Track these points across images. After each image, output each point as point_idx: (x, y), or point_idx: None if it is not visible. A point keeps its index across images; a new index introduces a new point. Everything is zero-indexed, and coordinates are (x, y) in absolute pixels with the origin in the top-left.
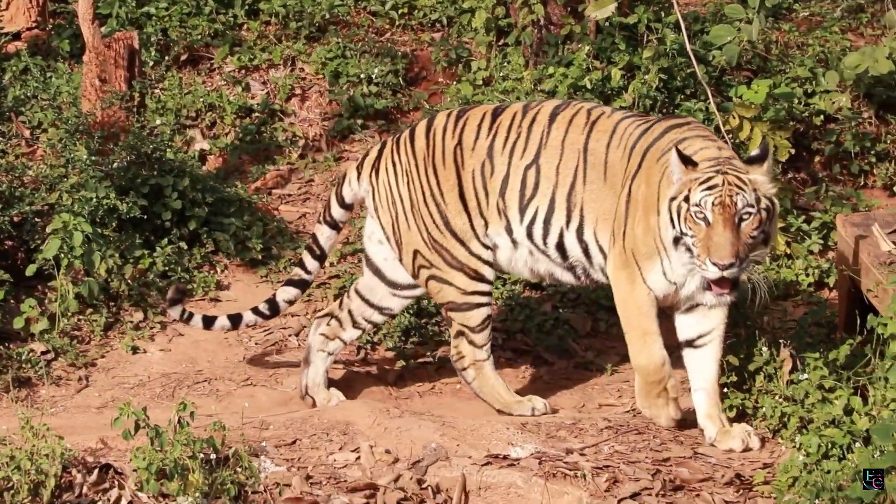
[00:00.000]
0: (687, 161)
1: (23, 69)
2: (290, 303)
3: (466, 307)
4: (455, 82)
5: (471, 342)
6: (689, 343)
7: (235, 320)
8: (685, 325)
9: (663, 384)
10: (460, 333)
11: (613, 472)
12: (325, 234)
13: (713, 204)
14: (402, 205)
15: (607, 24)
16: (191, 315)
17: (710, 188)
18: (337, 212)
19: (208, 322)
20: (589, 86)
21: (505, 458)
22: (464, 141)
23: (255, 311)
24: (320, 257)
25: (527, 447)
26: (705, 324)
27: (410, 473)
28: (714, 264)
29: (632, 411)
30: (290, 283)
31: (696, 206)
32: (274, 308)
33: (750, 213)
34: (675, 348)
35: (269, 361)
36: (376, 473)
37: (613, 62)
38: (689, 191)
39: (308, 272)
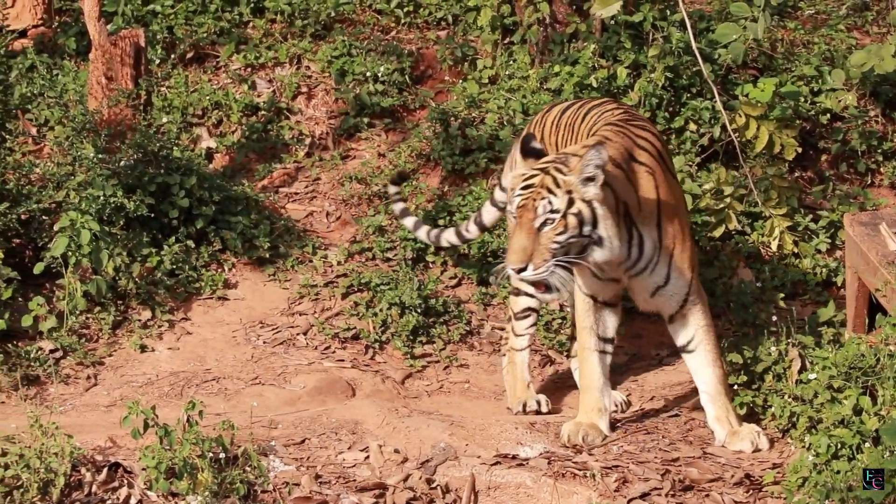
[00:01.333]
0: (528, 153)
1: (29, 67)
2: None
3: (515, 292)
4: (461, 80)
5: (512, 329)
6: (683, 349)
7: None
8: (673, 333)
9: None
10: (509, 319)
11: (623, 472)
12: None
13: (517, 206)
14: None
15: (613, 22)
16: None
17: (524, 188)
18: (498, 195)
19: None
20: (595, 84)
21: (514, 457)
22: None
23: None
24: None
25: (536, 447)
26: (686, 331)
27: (420, 473)
28: (510, 267)
29: (640, 411)
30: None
31: (511, 204)
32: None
33: (553, 219)
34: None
35: (278, 360)
36: (385, 473)
37: (619, 60)
38: (514, 188)
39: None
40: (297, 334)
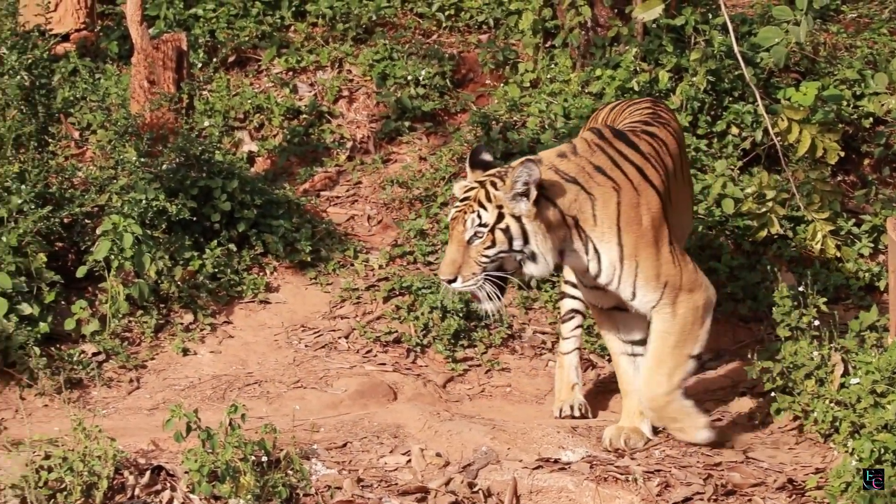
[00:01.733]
0: (475, 164)
1: (72, 71)
2: None
3: (560, 295)
4: (502, 84)
5: (560, 331)
6: (636, 343)
7: None
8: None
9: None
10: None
11: (665, 477)
12: None
13: (451, 218)
14: None
15: (654, 25)
16: None
17: (461, 201)
18: None
19: None
20: (636, 88)
21: (556, 461)
22: None
23: None
24: None
25: (578, 451)
26: (649, 331)
27: (461, 477)
28: (441, 278)
29: None
30: None
31: (448, 216)
32: None
33: (482, 233)
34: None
35: (319, 364)
36: (427, 477)
37: (661, 64)
38: (456, 199)
39: None
40: (339, 338)
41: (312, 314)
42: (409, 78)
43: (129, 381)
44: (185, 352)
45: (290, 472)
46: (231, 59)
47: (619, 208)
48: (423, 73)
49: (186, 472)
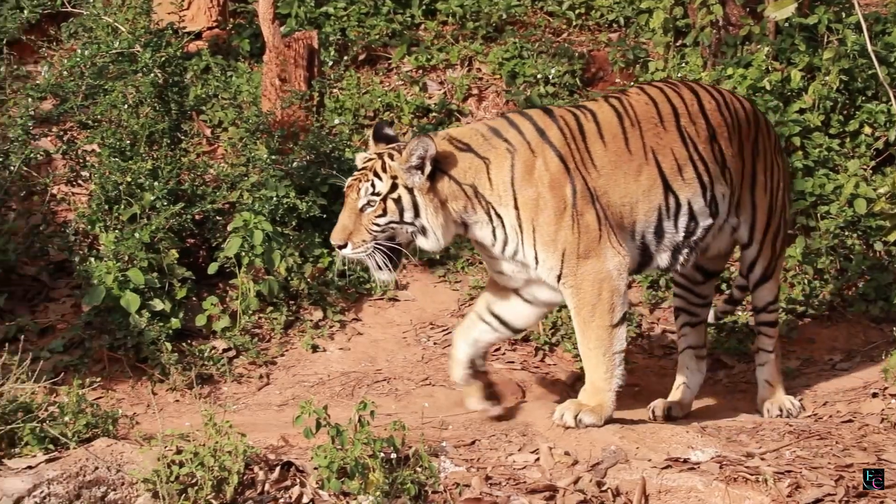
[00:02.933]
0: (379, 138)
1: (204, 68)
2: None
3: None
4: (632, 83)
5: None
6: None
7: None
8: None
9: None
10: None
11: (795, 478)
12: None
13: (346, 186)
14: None
15: (787, 24)
16: None
17: (359, 170)
18: None
19: None
20: (768, 87)
21: (685, 461)
22: None
23: None
24: None
25: (707, 451)
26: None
27: (590, 475)
28: (332, 242)
29: (813, 416)
30: None
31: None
32: None
33: (374, 202)
34: None
35: (448, 361)
36: (556, 475)
37: (793, 63)
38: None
39: None
40: None
41: (441, 312)
42: (539, 76)
43: (259, 378)
44: (315, 348)
45: (418, 469)
46: (361, 57)
47: (513, 170)
48: (552, 71)
49: (316, 469)
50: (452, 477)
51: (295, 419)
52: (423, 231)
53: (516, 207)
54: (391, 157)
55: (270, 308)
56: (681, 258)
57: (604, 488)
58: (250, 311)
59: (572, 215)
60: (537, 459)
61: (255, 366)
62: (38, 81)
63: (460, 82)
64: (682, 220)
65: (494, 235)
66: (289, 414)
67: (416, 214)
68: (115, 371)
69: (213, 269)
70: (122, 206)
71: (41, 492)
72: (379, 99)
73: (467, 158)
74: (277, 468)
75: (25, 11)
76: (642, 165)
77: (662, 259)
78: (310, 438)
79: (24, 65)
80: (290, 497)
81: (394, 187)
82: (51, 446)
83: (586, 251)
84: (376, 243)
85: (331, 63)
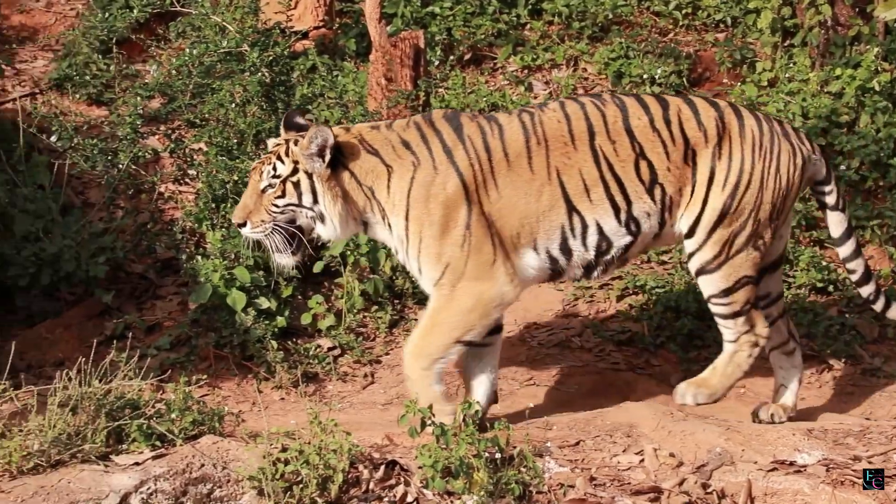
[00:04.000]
0: (290, 126)
1: (310, 68)
2: None
3: None
4: (739, 83)
5: None
6: None
7: None
8: None
9: None
10: None
11: None
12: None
13: (251, 169)
14: None
15: None
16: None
17: (266, 154)
18: None
19: None
20: (877, 88)
21: (791, 464)
22: None
23: None
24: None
25: (814, 454)
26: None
27: (695, 477)
28: (233, 221)
29: None
30: None
31: None
32: None
33: (274, 184)
34: None
35: (552, 361)
36: (660, 477)
37: None
38: None
39: None
40: (572, 336)
41: (545, 312)
42: (645, 76)
43: (364, 376)
44: None
45: (522, 470)
46: (467, 56)
47: (412, 183)
48: (658, 71)
49: (420, 468)
50: (557, 477)
51: (400, 418)
52: (322, 218)
53: (406, 219)
54: (295, 143)
55: (375, 307)
56: (596, 273)
57: (709, 490)
58: (355, 310)
59: (464, 235)
60: (642, 461)
61: (359, 364)
62: (146, 80)
63: (566, 82)
64: (592, 240)
65: (386, 239)
66: (393, 413)
67: (315, 200)
68: (220, 368)
69: (318, 267)
70: (229, 205)
71: (148, 488)
72: (484, 98)
73: (372, 161)
74: (382, 467)
75: (135, 11)
76: (544, 185)
77: (575, 272)
78: (414, 437)
79: (132, 64)
80: (395, 496)
81: (294, 171)
82: (158, 443)
83: (476, 273)
84: (275, 224)
85: (436, 62)
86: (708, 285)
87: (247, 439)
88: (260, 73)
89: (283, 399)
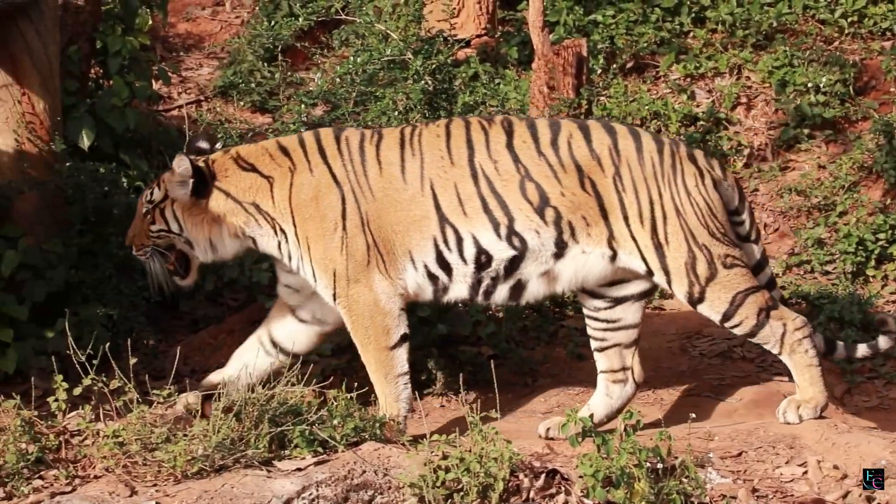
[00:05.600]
0: (190, 150)
1: (472, 75)
2: None
3: None
4: None
5: None
6: None
7: None
8: None
9: None
10: None
11: None
12: None
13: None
14: None
15: None
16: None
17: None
18: None
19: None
20: None
21: None
22: None
23: None
24: None
25: None
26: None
27: (859, 490)
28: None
29: None
30: None
31: None
32: None
33: (147, 210)
34: None
35: (714, 371)
36: (824, 489)
37: None
38: None
39: None
40: (734, 346)
41: (707, 322)
42: (810, 85)
43: (524, 385)
44: (580, 357)
45: (684, 480)
46: (629, 64)
47: (291, 189)
48: (823, 79)
49: (581, 477)
50: (718, 489)
51: (561, 427)
52: (190, 243)
53: (294, 224)
54: (172, 171)
55: (536, 315)
56: (482, 288)
57: (874, 503)
58: (515, 318)
59: (342, 237)
60: (805, 472)
61: (520, 373)
62: (310, 88)
63: (729, 91)
64: (469, 252)
65: (280, 249)
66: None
67: (181, 228)
68: None
69: None
70: None
71: (310, 494)
72: (646, 107)
73: (250, 178)
74: (542, 476)
75: (300, 19)
76: (416, 195)
77: (461, 290)
78: (575, 447)
79: (296, 71)
80: None
81: (164, 198)
82: (320, 449)
83: (355, 275)
84: (154, 248)
85: (599, 71)
86: (709, 314)
87: (408, 446)
88: (423, 81)
89: (443, 406)
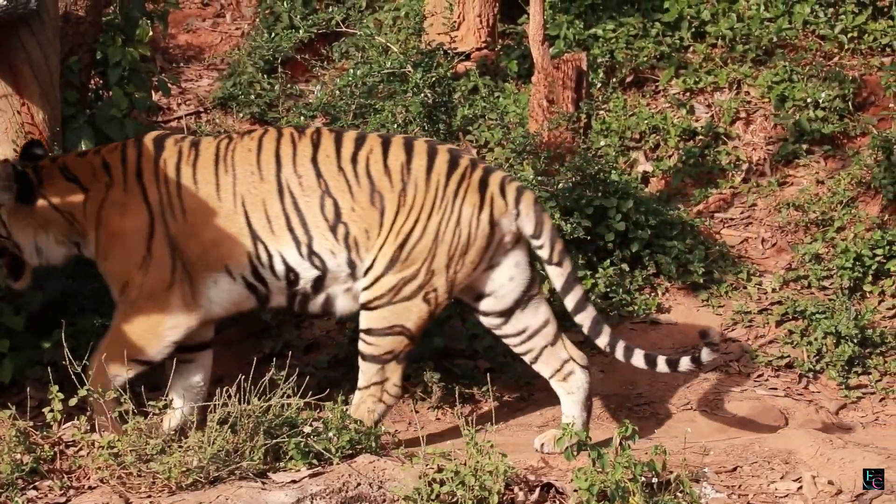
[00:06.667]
0: (25, 157)
1: (472, 89)
2: None
3: None
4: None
5: None
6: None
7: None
8: None
9: None
10: None
11: None
12: None
13: None
14: None
15: None
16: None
17: None
18: None
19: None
20: None
21: None
22: None
23: None
24: None
25: None
26: None
27: None
28: None
29: None
30: None
31: None
32: None
33: None
34: None
35: (710, 386)
36: None
37: None
38: None
39: None
40: (730, 361)
41: (703, 337)
42: (809, 100)
43: (520, 398)
44: None
45: (679, 495)
46: (629, 79)
47: (103, 203)
48: (822, 95)
49: (576, 491)
50: (713, 503)
51: (556, 440)
52: (18, 247)
53: (97, 237)
54: None
55: None
56: (297, 301)
57: None
58: None
59: (143, 256)
60: (800, 488)
61: (516, 386)
62: (310, 100)
63: (728, 105)
64: (279, 269)
65: (94, 257)
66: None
67: (8, 231)
68: None
69: None
70: None
71: None
72: (645, 121)
73: (70, 188)
74: (537, 489)
75: (300, 31)
76: (230, 214)
77: (280, 300)
78: (570, 460)
79: (296, 83)
80: None
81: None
82: (315, 461)
83: (150, 293)
84: None
85: (598, 85)
86: (364, 320)
87: (403, 459)
88: (422, 94)
89: (438, 419)
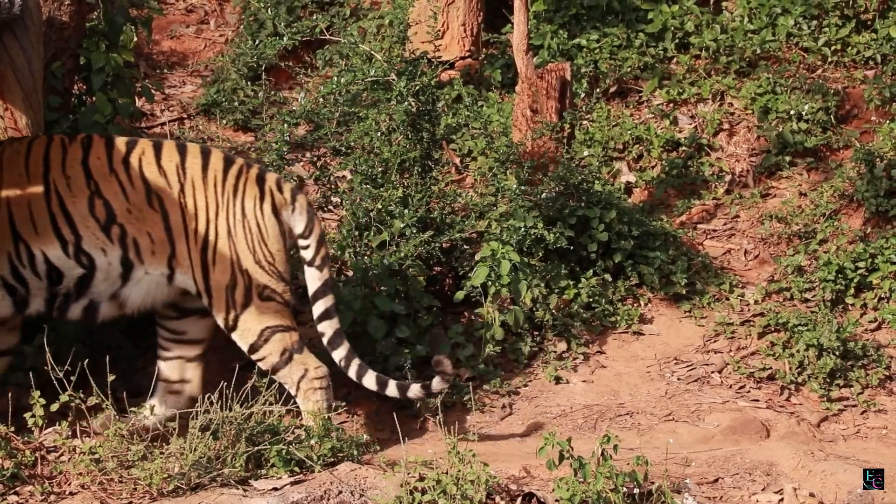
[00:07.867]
0: None
1: (456, 97)
2: None
3: None
4: (888, 121)
5: None
6: None
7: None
8: None
9: None
10: None
11: None
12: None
13: None
14: None
15: None
16: None
17: None
18: None
19: None
20: None
21: None
22: None
23: None
24: None
25: None
26: None
27: None
28: None
29: None
30: None
31: None
32: None
33: None
34: None
35: (692, 397)
36: None
37: None
38: None
39: None
40: (712, 372)
41: (685, 347)
42: (792, 112)
43: (502, 407)
44: (558, 380)
45: None
46: (612, 89)
47: None
48: (806, 107)
49: (557, 501)
50: None
51: (538, 450)
52: None
53: None
54: None
55: (514, 338)
56: (56, 304)
57: None
58: (494, 341)
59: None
60: (781, 500)
61: (497, 395)
62: (293, 107)
63: (711, 117)
64: (41, 269)
65: None
66: (531, 445)
67: None
68: (359, 396)
69: (459, 296)
70: (372, 233)
71: None
72: (629, 132)
73: None
74: (519, 499)
75: (284, 38)
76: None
77: (39, 304)
78: (552, 470)
79: (280, 90)
80: None
81: None
82: (296, 469)
83: None
84: None
85: (582, 95)
86: (239, 343)
87: (384, 467)
88: (406, 103)
89: (420, 428)
